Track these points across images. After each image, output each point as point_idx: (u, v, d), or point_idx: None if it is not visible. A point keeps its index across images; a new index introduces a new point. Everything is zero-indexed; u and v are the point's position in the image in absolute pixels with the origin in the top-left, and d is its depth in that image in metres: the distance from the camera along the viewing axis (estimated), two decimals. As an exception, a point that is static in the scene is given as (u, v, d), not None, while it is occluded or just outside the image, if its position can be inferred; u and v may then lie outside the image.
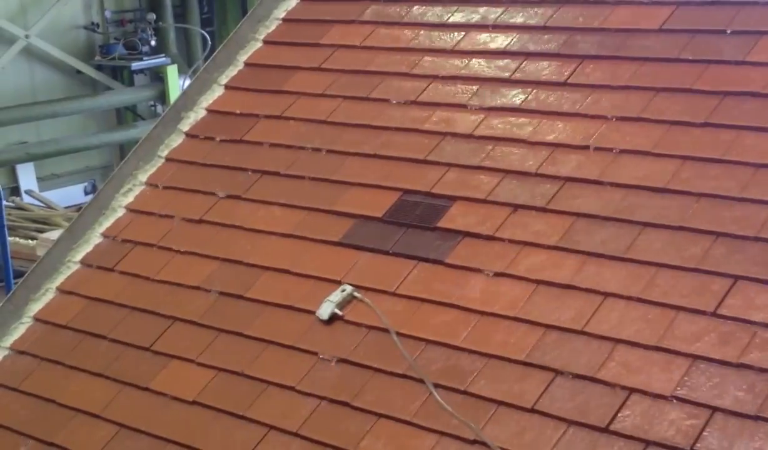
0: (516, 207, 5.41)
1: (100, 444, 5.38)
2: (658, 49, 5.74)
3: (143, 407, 5.44)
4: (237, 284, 5.79)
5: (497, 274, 5.17)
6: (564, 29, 6.11)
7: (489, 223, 5.39)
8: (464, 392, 4.75)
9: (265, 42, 7.14)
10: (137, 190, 6.68)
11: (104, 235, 6.51)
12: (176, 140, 6.84)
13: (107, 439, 5.39)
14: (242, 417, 5.14)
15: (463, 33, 6.43)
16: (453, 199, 5.61)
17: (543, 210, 5.33)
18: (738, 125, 5.18)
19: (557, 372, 4.64)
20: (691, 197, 5.00)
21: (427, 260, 5.40)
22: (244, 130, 6.67)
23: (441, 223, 5.51)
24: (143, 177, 6.71)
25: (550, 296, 4.97)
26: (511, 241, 5.28)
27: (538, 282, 5.05)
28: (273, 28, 7.20)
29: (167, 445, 5.23)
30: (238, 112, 6.82)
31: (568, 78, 5.84)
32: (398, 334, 5.12)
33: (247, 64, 7.11)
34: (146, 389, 5.52)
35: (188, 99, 6.97)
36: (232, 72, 7.10)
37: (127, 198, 6.65)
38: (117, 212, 6.60)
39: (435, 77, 6.27)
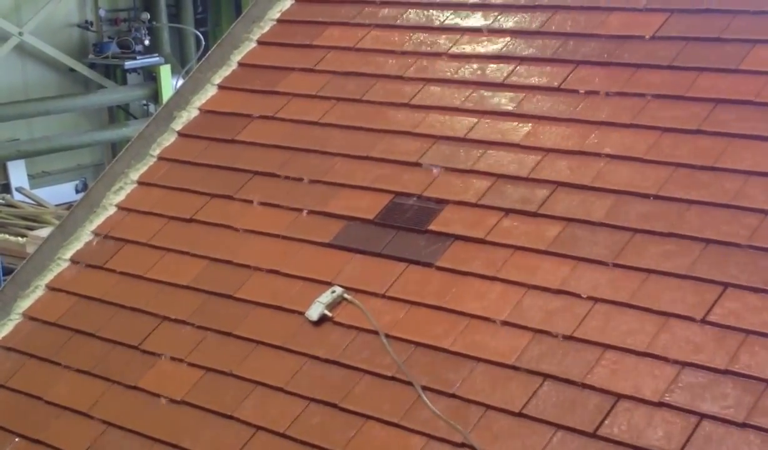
0: (507, 211, 5.41)
1: (86, 442, 5.37)
2: (652, 55, 5.74)
3: (131, 406, 5.43)
4: (226, 284, 5.77)
5: (487, 278, 5.17)
6: (558, 34, 6.12)
7: (480, 227, 5.39)
8: (452, 396, 4.75)
9: (259, 42, 7.14)
10: (128, 189, 6.66)
11: (95, 232, 6.49)
12: (169, 139, 6.83)
13: (94, 437, 5.37)
14: (230, 417, 5.13)
15: (457, 37, 6.43)
16: (444, 202, 5.60)
17: (534, 215, 5.33)
18: (729, 133, 5.18)
19: (546, 376, 4.64)
20: (683, 204, 5.00)
21: (417, 263, 5.39)
22: (236, 130, 6.66)
23: (432, 226, 5.50)
24: (135, 175, 6.70)
25: (539, 301, 4.96)
26: (501, 246, 5.27)
27: (528, 287, 5.04)
28: (267, 28, 7.20)
29: (154, 444, 5.21)
30: (230, 111, 6.81)
31: (561, 83, 5.84)
32: (387, 336, 5.11)
33: (240, 64, 7.11)
34: (134, 387, 5.50)
35: (181, 98, 6.96)
36: (225, 72, 7.09)
37: (118, 196, 6.63)
38: (108, 210, 6.58)
39: (428, 80, 6.27)
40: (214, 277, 5.86)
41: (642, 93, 5.58)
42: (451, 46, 6.39)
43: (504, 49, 6.22)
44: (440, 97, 6.14)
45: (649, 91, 5.57)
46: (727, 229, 4.80)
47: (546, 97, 5.83)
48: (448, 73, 6.25)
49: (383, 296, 5.33)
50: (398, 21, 6.74)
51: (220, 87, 7.02)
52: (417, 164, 5.88)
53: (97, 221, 6.54)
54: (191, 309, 5.74)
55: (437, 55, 6.40)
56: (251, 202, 6.18)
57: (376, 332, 5.14)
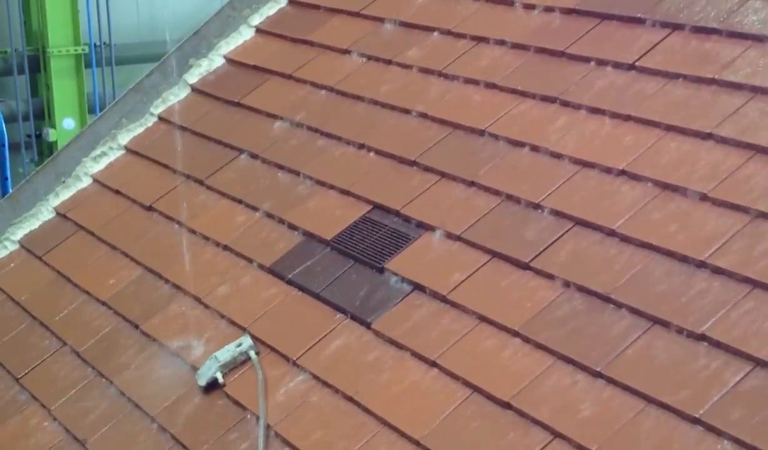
0: (494, 255, 3.49)
1: None
2: None
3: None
4: (141, 308, 4.22)
5: (430, 364, 3.31)
6: None
7: (449, 277, 3.51)
8: None
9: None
10: (112, 156, 5.18)
11: (57, 210, 5.06)
12: (178, 94, 5.27)
13: None
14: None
15: None
16: (425, 227, 3.75)
17: (526, 267, 3.38)
18: None
19: None
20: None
21: (354, 318, 3.60)
22: (246, 90, 5.01)
23: (393, 264, 3.68)
24: (124, 139, 5.21)
25: (480, 415, 3.07)
26: (465, 311, 3.38)
27: (475, 389, 3.15)
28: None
29: None
30: (254, 64, 5.15)
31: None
32: (270, 428, 3.39)
33: (292, 2, 5.42)
34: None
35: (202, 41, 5.36)
36: (270, 10, 5.42)
37: (97, 165, 5.17)
38: (81, 182, 5.14)
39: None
40: (135, 295, 4.34)
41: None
42: None
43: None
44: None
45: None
46: None
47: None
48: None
49: (295, 363, 3.58)
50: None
51: (259, 30, 5.36)
52: (414, 164, 4.03)
53: (65, 195, 5.10)
54: (87, 341, 4.23)
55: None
56: (218, 192, 4.55)
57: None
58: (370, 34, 4.86)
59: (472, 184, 3.79)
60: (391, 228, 3.84)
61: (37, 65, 12.04)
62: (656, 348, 2.94)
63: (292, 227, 4.13)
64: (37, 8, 11.91)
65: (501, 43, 4.29)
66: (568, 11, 4.21)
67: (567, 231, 3.41)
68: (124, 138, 5.21)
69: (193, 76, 5.31)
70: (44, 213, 5.09)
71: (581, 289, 3.21)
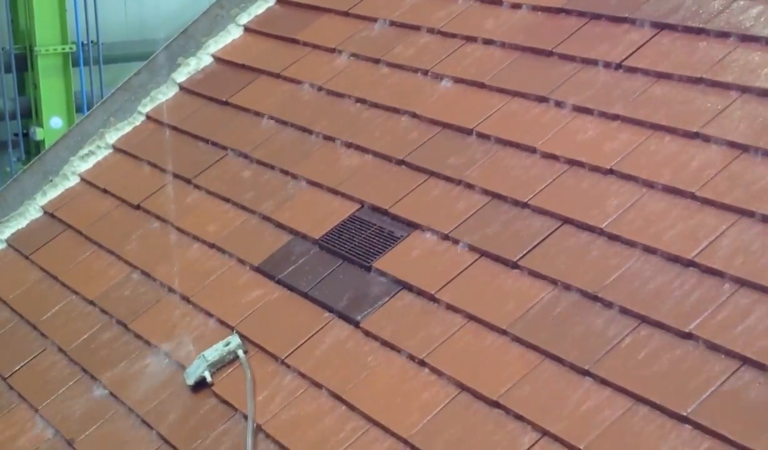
0: (482, 254, 3.50)
1: None
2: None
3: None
4: (127, 308, 4.21)
5: (418, 362, 3.31)
6: None
7: (438, 275, 3.51)
8: None
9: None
10: (100, 155, 5.17)
11: (44, 209, 5.05)
12: (166, 93, 5.26)
13: None
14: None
15: None
16: (413, 226, 3.75)
17: (514, 266, 3.39)
18: None
19: None
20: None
21: (342, 317, 3.60)
22: (234, 89, 5.01)
23: (381, 263, 3.68)
24: (112, 137, 5.20)
25: (469, 414, 3.07)
26: (454, 310, 3.38)
27: (463, 387, 3.15)
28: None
29: None
30: (243, 63, 5.15)
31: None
32: (260, 429, 3.39)
33: (280, 0, 5.41)
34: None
35: (190, 40, 5.35)
36: (258, 9, 5.41)
37: (85, 163, 5.16)
38: (69, 181, 5.13)
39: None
40: (123, 294, 4.33)
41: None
42: None
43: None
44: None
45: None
46: None
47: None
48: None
49: (283, 362, 3.58)
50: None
51: (248, 29, 5.35)
52: (403, 163, 4.03)
53: (52, 194, 5.09)
54: (79, 337, 4.23)
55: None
56: (206, 190, 4.55)
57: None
58: (359, 33, 4.86)
59: (460, 183, 3.79)
60: (379, 227, 3.84)
61: (24, 64, 12.00)
62: (644, 347, 2.95)
63: (280, 226, 4.13)
64: (24, 6, 11.87)
65: (489, 42, 4.30)
66: (556, 10, 4.21)
67: (555, 230, 3.42)
68: (112, 137, 5.20)
69: (181, 75, 5.30)
70: (32, 212, 5.07)
71: (569, 287, 3.22)
